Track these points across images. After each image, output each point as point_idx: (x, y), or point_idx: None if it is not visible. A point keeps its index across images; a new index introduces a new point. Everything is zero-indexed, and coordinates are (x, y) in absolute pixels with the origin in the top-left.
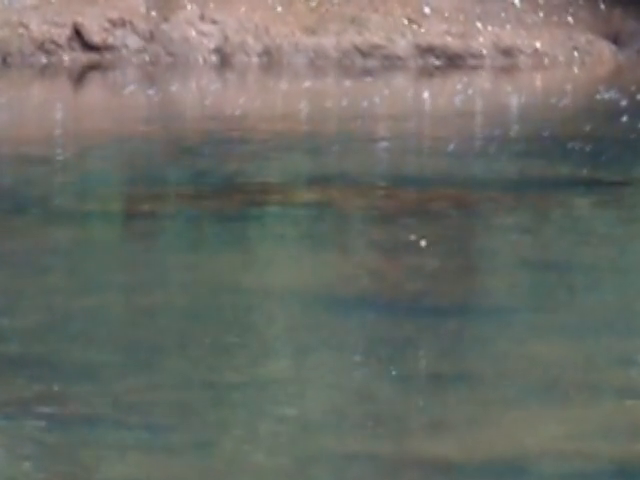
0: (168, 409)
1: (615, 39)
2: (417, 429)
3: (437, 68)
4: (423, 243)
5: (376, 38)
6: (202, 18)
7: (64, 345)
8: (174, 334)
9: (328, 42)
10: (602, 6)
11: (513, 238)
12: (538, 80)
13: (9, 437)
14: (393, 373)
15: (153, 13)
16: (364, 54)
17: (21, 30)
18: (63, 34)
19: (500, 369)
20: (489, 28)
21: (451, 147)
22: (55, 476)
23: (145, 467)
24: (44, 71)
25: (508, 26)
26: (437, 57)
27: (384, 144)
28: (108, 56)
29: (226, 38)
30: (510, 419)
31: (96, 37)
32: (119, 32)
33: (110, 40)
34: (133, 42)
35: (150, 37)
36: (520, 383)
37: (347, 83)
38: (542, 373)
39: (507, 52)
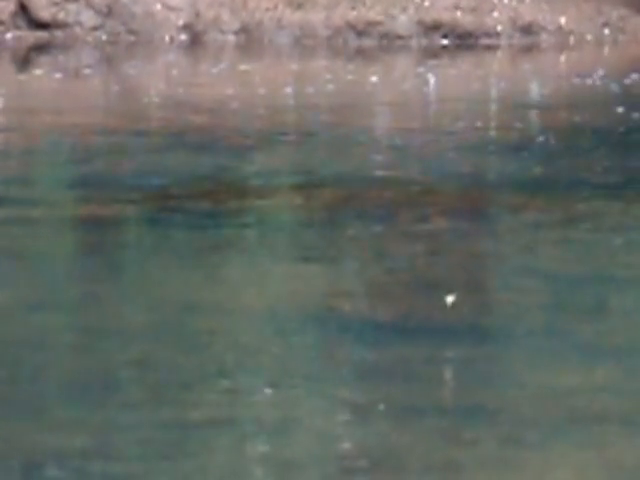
0: (124, 453)
1: None
2: (420, 472)
3: (444, 48)
4: (425, 252)
5: (372, 13)
6: None
7: (5, 372)
8: (132, 362)
9: (316, 18)
10: None
11: (530, 245)
12: (562, 62)
13: None
14: (391, 406)
15: None
16: (358, 32)
17: None
18: (6, 9)
19: (516, 401)
20: (505, 1)
21: (460, 141)
22: None
23: None
24: None
25: None
26: (444, 36)
27: (381, 138)
28: (59, 34)
29: (197, 13)
30: (529, 460)
31: (44, 12)
32: (71, 6)
33: (61, 16)
34: (88, 18)
35: (108, 12)
36: (540, 417)
37: (338, 66)
38: (565, 405)
39: (526, 29)
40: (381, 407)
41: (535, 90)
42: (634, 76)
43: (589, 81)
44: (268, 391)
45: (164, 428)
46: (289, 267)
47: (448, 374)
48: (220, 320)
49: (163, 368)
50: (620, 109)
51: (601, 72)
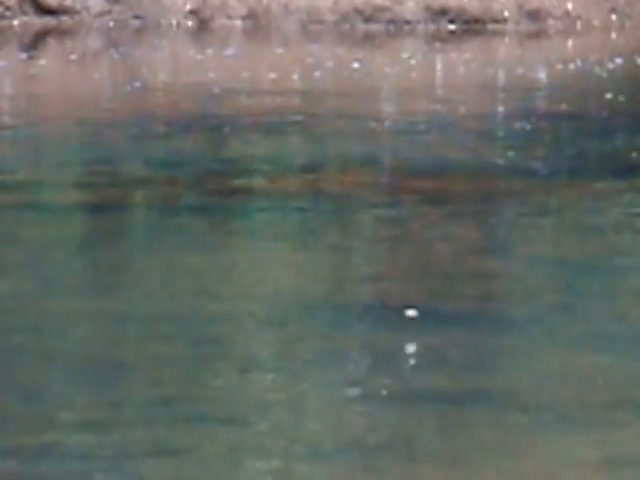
0: (135, 437)
1: None
2: (430, 459)
3: (451, 34)
4: (433, 240)
5: None
6: None
7: (20, 357)
8: (140, 348)
9: (323, 3)
10: None
11: (537, 233)
12: (569, 47)
13: None
14: (399, 393)
15: None
16: (366, 17)
17: None
18: None
19: (525, 387)
20: None
21: (468, 127)
22: None
23: None
24: None
25: None
26: (451, 21)
27: (389, 124)
28: (66, 20)
29: None
30: (538, 446)
31: None
32: None
33: (68, 2)
34: (95, 4)
35: None
36: (549, 403)
37: (345, 51)
38: (573, 391)
39: (533, 15)
40: (385, 393)
41: (541, 76)
42: None
43: (596, 66)
44: (273, 376)
45: (170, 418)
46: (296, 252)
47: (454, 360)
48: (227, 305)
49: (171, 353)
50: (626, 95)
51: (607, 57)
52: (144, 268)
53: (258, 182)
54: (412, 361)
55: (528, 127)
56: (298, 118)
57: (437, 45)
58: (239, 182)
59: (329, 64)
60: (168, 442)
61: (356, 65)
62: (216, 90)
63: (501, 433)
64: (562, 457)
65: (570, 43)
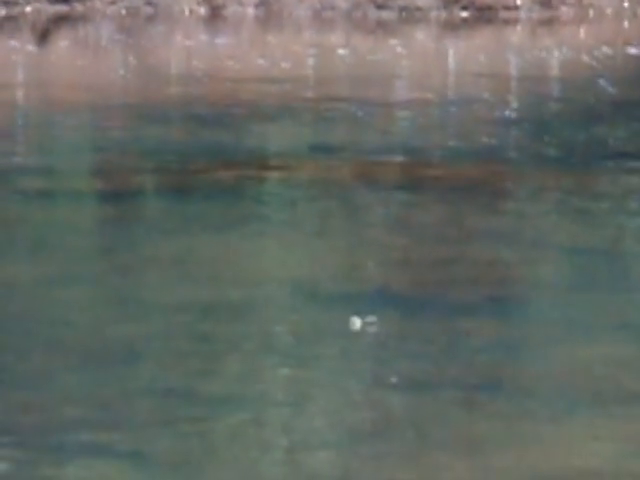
0: (147, 422)
1: None
2: (446, 448)
3: (464, 21)
4: (447, 226)
5: None
6: None
7: (32, 343)
8: (154, 333)
9: None
10: None
11: (555, 219)
12: (582, 35)
13: None
14: (414, 381)
15: None
16: (378, 5)
17: None
18: None
19: (542, 375)
20: None
21: (481, 115)
22: None
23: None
24: (3, 24)
25: None
26: (464, 8)
27: (401, 111)
28: (78, 7)
29: None
30: (555, 435)
31: None
32: None
33: None
34: None
35: None
36: (567, 392)
37: (358, 39)
38: (592, 379)
39: (546, 3)
40: (399, 380)
41: (553, 64)
42: None
43: (609, 55)
44: (287, 360)
45: (185, 398)
46: (309, 238)
47: (467, 347)
48: (241, 291)
49: (186, 338)
50: (638, 84)
51: (619, 45)
52: (157, 254)
53: (272, 168)
54: (424, 348)
55: (540, 114)
56: (311, 105)
57: (449, 32)
58: (253, 168)
59: (341, 51)
60: (181, 422)
61: (368, 52)
62: (228, 77)
63: (517, 421)
64: (578, 446)
65: (582, 31)
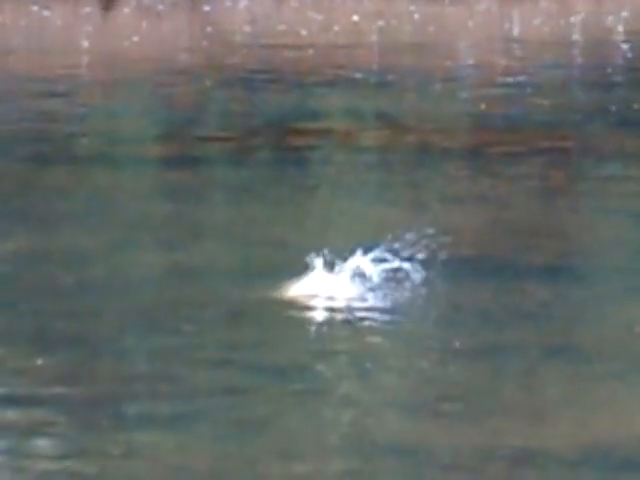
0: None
1: None
2: (510, 412)
3: None
4: (510, 194)
5: None
6: None
7: (96, 309)
8: (214, 298)
9: None
10: None
11: (618, 186)
12: None
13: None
14: (471, 346)
15: None
16: None
17: None
18: None
19: (604, 340)
20: None
21: (545, 82)
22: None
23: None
24: None
25: None
26: None
27: (463, 78)
28: None
29: None
30: (619, 400)
31: None
32: None
33: None
34: None
35: None
36: (630, 356)
37: (422, 6)
38: None
39: None
40: (462, 346)
41: (619, 30)
42: None
43: None
44: (346, 324)
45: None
46: (369, 205)
47: (534, 313)
48: (300, 255)
49: (244, 301)
50: None
51: None
52: (219, 220)
53: (334, 135)
54: (490, 315)
55: (601, 80)
56: (373, 72)
57: None
58: (315, 135)
59: (405, 18)
60: (236, 385)
61: (429, 19)
62: (290, 44)
63: (581, 385)
64: (636, 405)
65: None
